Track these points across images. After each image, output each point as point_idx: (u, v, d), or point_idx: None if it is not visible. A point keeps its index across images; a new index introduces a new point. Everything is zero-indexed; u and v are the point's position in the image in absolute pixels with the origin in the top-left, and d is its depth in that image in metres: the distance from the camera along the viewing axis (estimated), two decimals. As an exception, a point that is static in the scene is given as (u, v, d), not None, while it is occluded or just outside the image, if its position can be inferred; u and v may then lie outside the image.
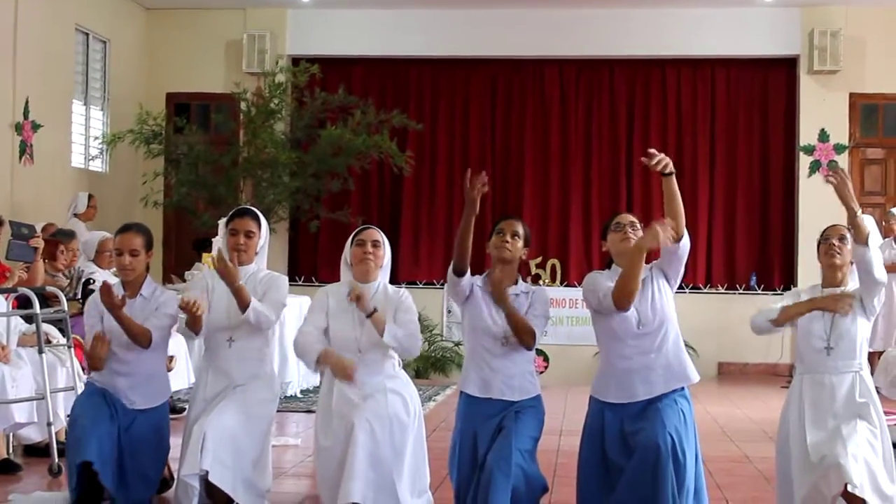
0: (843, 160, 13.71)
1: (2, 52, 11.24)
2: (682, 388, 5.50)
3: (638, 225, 5.55)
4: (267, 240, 6.15)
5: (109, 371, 5.92)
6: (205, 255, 11.17)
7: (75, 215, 12.01)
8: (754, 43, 13.88)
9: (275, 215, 13.09)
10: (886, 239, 11.58)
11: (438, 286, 13.85)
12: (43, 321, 7.24)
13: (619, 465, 5.38)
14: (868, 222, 10.55)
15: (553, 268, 13.96)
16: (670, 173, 5.31)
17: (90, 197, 12.27)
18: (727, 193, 14.21)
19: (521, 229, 5.67)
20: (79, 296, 8.43)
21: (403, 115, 13.28)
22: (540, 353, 13.26)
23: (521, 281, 5.71)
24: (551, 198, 14.21)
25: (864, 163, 13.96)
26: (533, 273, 13.54)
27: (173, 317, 6.06)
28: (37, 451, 7.38)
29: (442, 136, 14.45)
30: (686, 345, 5.68)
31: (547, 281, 13.56)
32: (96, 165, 13.40)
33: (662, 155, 5.30)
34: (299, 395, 10.51)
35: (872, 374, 6.29)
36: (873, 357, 9.31)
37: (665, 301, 5.51)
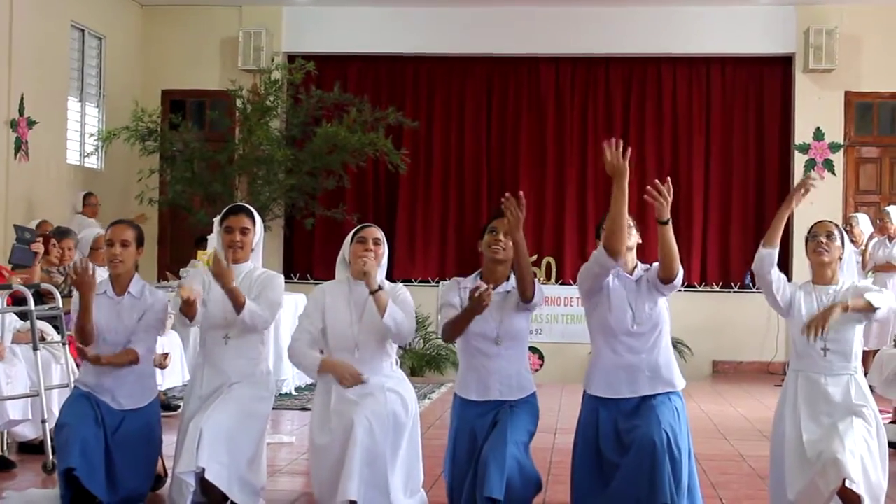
0: (838, 159, 13.73)
1: (-3, 48, 11.25)
2: (674, 396, 5.52)
3: (632, 223, 5.58)
4: (262, 237, 6.15)
5: (96, 372, 5.93)
6: (199, 252, 11.16)
7: (76, 214, 12.08)
8: (750, 41, 13.89)
9: (270, 213, 13.08)
10: (881, 238, 11.58)
11: (433, 284, 13.86)
12: (38, 318, 7.25)
13: (614, 461, 5.40)
14: (862, 222, 10.50)
15: (548, 265, 13.97)
16: (665, 222, 5.33)
17: (87, 195, 12.30)
18: (722, 191, 14.22)
19: None
20: (73, 293, 8.43)
21: (399, 113, 13.28)
22: (535, 350, 13.29)
23: (512, 277, 5.73)
24: (546, 195, 14.21)
25: (859, 161, 13.97)
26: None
27: (161, 321, 6.09)
28: (31, 449, 7.38)
29: (437, 133, 14.45)
30: (681, 343, 5.72)
31: (542, 279, 13.56)
32: (92, 162, 13.39)
33: (667, 198, 5.33)
34: (294, 392, 10.52)
35: (866, 373, 6.31)
36: (868, 356, 9.31)
37: (659, 305, 5.54)
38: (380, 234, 5.85)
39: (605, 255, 5.37)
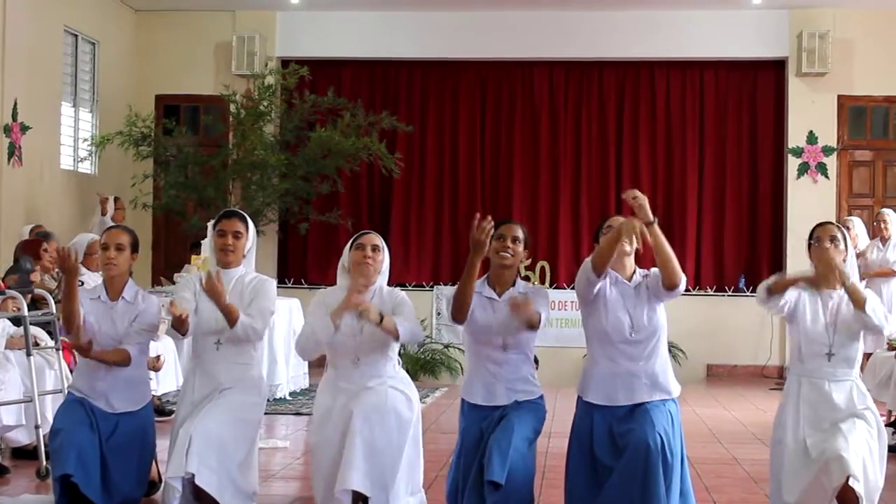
0: (831, 162, 13.75)
1: (-10, 53, 11.24)
2: (670, 402, 5.52)
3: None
4: (254, 242, 6.14)
5: (89, 376, 5.92)
6: (193, 256, 11.17)
7: (104, 216, 12.08)
8: (743, 45, 13.92)
9: (264, 217, 13.08)
10: (874, 241, 11.57)
11: (427, 288, 13.87)
12: (31, 324, 7.23)
13: (607, 465, 5.40)
14: (857, 225, 10.49)
15: (542, 270, 13.97)
16: (650, 222, 5.32)
17: (116, 199, 12.31)
18: (716, 195, 14.24)
19: (520, 234, 5.72)
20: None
21: (393, 117, 13.29)
22: (529, 354, 13.27)
23: (519, 281, 5.75)
24: (540, 199, 14.22)
25: (853, 165, 13.99)
26: (522, 275, 13.54)
27: (154, 325, 6.09)
28: (24, 454, 7.37)
29: (431, 137, 14.45)
30: (675, 347, 5.72)
31: (536, 283, 13.56)
32: (85, 167, 13.38)
33: (642, 197, 5.32)
34: (288, 397, 10.50)
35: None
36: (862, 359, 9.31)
37: (657, 312, 5.54)
38: (379, 241, 5.86)
39: (590, 269, 5.39)
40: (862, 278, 11.15)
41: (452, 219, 14.27)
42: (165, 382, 9.44)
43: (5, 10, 11.33)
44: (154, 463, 6.27)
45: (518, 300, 5.50)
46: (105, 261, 5.96)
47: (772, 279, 5.60)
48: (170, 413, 9.24)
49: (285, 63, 13.83)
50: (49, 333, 7.71)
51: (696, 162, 14.22)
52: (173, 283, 11.11)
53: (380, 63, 14.43)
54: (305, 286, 13.40)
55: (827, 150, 13.73)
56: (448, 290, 13.94)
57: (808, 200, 13.58)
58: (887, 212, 11.60)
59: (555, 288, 13.77)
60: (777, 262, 13.97)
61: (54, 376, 7.40)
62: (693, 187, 14.16)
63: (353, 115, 13.08)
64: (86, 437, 5.76)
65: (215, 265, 5.97)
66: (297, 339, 5.85)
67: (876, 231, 11.57)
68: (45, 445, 6.85)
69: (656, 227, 5.33)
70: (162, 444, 6.26)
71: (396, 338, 5.61)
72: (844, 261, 5.59)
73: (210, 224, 6.15)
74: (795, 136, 13.82)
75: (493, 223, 5.44)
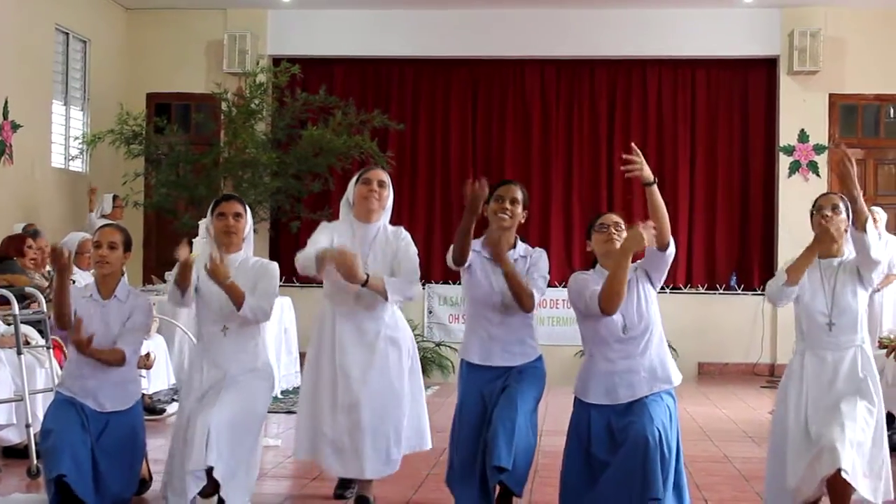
0: (822, 161, 13.77)
1: (-19, 51, 11.22)
2: (669, 392, 5.54)
3: (622, 225, 5.56)
4: (251, 227, 6.15)
5: (79, 375, 5.91)
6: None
7: (103, 216, 12.05)
8: (734, 43, 13.93)
9: (256, 216, 13.02)
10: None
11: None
12: (21, 322, 7.22)
13: (604, 461, 5.40)
14: (879, 213, 10.36)
15: (534, 268, 13.95)
16: (650, 183, 5.32)
17: (115, 197, 12.28)
18: (707, 193, 14.25)
19: (519, 194, 5.78)
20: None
21: (384, 116, 13.28)
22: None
23: (519, 243, 5.78)
24: (532, 197, 13.98)
25: (844, 163, 13.99)
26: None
27: (146, 325, 6.10)
28: (15, 453, 7.35)
29: (423, 136, 14.45)
30: (667, 345, 5.70)
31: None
32: (76, 166, 13.35)
33: (640, 160, 5.31)
34: (279, 395, 10.50)
35: None
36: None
37: (650, 305, 5.53)
38: (385, 177, 5.93)
39: (597, 311, 5.36)
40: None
41: (444, 217, 14.27)
42: (156, 381, 9.44)
43: (-4, 9, 11.33)
44: (145, 461, 6.26)
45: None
46: (98, 259, 5.95)
47: (783, 277, 5.55)
48: (161, 412, 9.25)
49: (277, 61, 13.82)
50: (40, 332, 7.70)
51: (688, 160, 14.24)
52: (164, 281, 11.10)
53: (371, 61, 14.43)
54: (297, 284, 13.37)
55: (818, 149, 13.75)
56: (440, 288, 13.97)
57: (799, 199, 13.56)
58: (877, 210, 11.62)
59: (547, 287, 13.72)
60: (768, 260, 13.99)
61: (45, 375, 7.39)
62: (684, 185, 14.17)
63: (345, 113, 13.08)
64: (78, 437, 5.75)
65: (216, 251, 5.95)
66: (297, 261, 5.97)
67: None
68: (36, 444, 6.84)
69: (655, 188, 5.33)
70: (152, 443, 6.26)
71: (385, 297, 5.62)
72: (846, 230, 5.59)
73: (202, 223, 6.14)
74: (787, 135, 13.84)
75: (486, 187, 5.48)
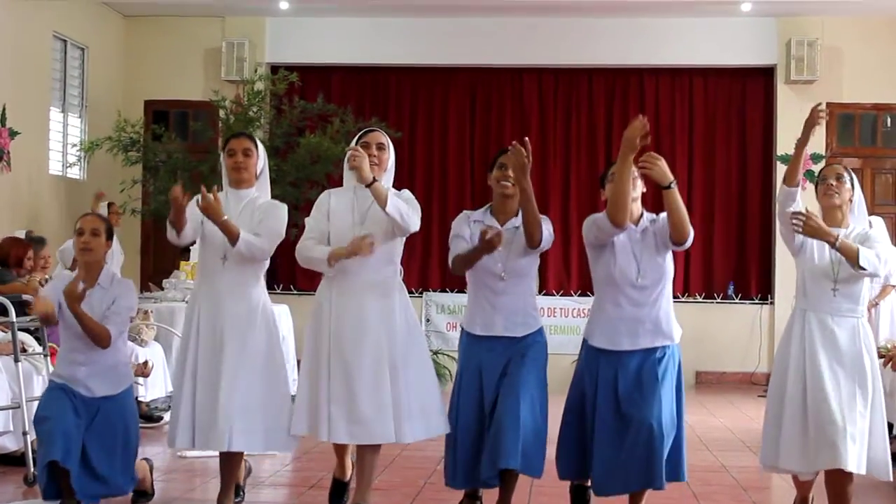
0: (819, 169, 13.75)
1: (-21, 58, 11.22)
2: (671, 348, 5.58)
3: (637, 175, 5.63)
4: (266, 164, 6.17)
5: (71, 361, 5.90)
6: (182, 262, 11.16)
7: None
8: (732, 53, 13.94)
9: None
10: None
11: (417, 294, 13.85)
12: (19, 329, 7.22)
13: (606, 418, 5.51)
14: (877, 224, 10.42)
15: (531, 276, 13.95)
16: (669, 186, 5.38)
17: (110, 204, 12.28)
18: (705, 202, 14.26)
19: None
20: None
21: (382, 123, 13.25)
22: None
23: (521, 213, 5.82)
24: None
25: (841, 172, 14.00)
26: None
27: (131, 307, 6.08)
28: (12, 461, 7.34)
29: (421, 144, 14.46)
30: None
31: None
32: (74, 173, 13.34)
33: (661, 160, 5.38)
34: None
35: None
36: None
37: (665, 258, 5.59)
38: (384, 139, 5.94)
39: (608, 225, 5.46)
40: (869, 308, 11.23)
41: (442, 225, 14.23)
42: (153, 389, 9.42)
43: (-6, 15, 11.33)
44: (149, 474, 6.24)
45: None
46: (81, 245, 5.95)
47: (782, 185, 5.62)
48: (158, 419, 9.23)
49: (275, 69, 13.81)
50: (37, 339, 7.70)
51: (686, 169, 14.24)
52: (162, 288, 11.10)
53: (369, 69, 14.43)
54: (294, 292, 13.40)
55: (816, 158, 13.74)
56: (437, 297, 13.96)
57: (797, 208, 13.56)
58: (875, 220, 11.62)
59: (544, 294, 13.76)
60: (766, 269, 14.00)
61: (42, 382, 7.37)
62: (682, 194, 14.12)
63: (343, 120, 13.07)
64: (71, 423, 5.75)
65: (229, 187, 6.03)
66: (297, 250, 5.93)
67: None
68: (33, 452, 6.83)
69: (674, 189, 5.38)
70: (151, 451, 6.25)
71: (383, 205, 5.60)
72: (851, 200, 5.63)
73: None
74: (784, 144, 13.84)
75: (503, 236, 5.51)
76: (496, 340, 5.76)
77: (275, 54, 14.22)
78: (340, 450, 6.06)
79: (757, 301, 13.90)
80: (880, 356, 8.44)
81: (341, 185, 6.10)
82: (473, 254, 5.64)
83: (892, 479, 5.54)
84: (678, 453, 5.62)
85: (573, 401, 5.73)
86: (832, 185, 5.64)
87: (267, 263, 6.20)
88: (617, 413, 5.51)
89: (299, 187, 13.21)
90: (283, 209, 6.11)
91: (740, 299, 13.98)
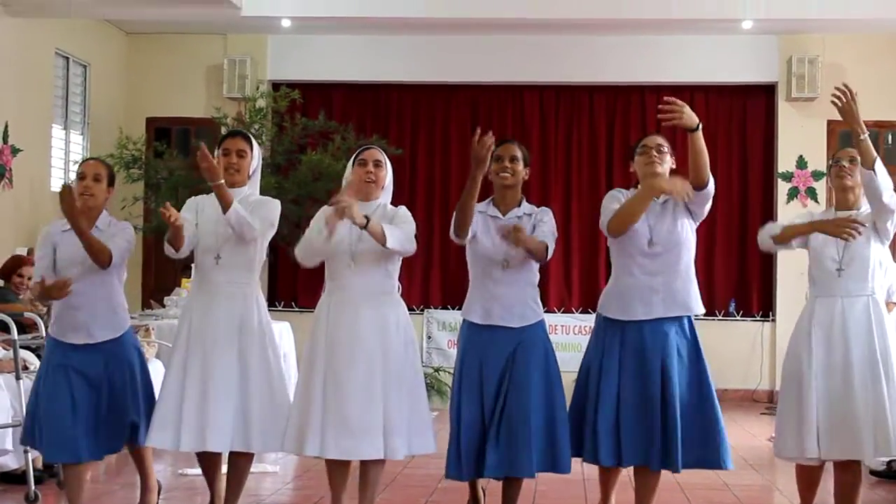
0: (821, 187, 13.78)
1: (-19, 76, 11.24)
2: (687, 321, 5.58)
3: (665, 147, 5.68)
4: (260, 162, 6.19)
5: (69, 307, 5.88)
6: (184, 280, 11.15)
7: None
8: (732, 70, 13.96)
9: (254, 240, 13.04)
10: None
11: (417, 312, 13.85)
12: (20, 347, 7.21)
13: (610, 386, 5.57)
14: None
15: (533, 293, 13.94)
16: (696, 128, 5.41)
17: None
18: (706, 219, 14.08)
19: (518, 152, 5.89)
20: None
21: (383, 141, 13.26)
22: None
23: (524, 203, 5.83)
24: (531, 223, 14.17)
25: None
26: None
27: (129, 241, 6.05)
28: (13, 479, 7.33)
29: (422, 161, 14.47)
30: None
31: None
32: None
33: (682, 105, 5.42)
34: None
35: None
36: None
37: (682, 227, 5.59)
38: (381, 156, 5.95)
39: (605, 230, 5.52)
40: None
41: (443, 242, 14.25)
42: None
43: (-4, 33, 11.35)
44: (152, 474, 6.27)
45: (507, 229, 5.55)
46: (82, 190, 5.96)
47: (778, 227, 5.65)
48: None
49: (276, 86, 13.85)
50: (39, 357, 7.69)
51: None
52: (163, 306, 11.09)
53: (371, 86, 14.45)
54: (296, 309, 13.39)
55: (817, 175, 13.76)
56: (438, 314, 13.96)
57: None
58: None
59: (546, 311, 13.70)
60: (767, 285, 13.99)
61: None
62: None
63: (344, 138, 13.09)
64: (65, 411, 5.79)
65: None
66: (297, 250, 5.94)
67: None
68: (35, 470, 6.84)
69: (699, 133, 5.42)
70: (153, 469, 6.24)
71: (383, 242, 5.61)
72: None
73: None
74: (785, 161, 13.86)
75: (493, 139, 5.52)
76: (495, 331, 5.75)
77: (277, 72, 14.25)
78: (337, 487, 5.92)
79: (758, 318, 13.88)
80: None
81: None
82: (469, 184, 5.65)
83: None
84: (719, 435, 5.61)
85: (579, 385, 5.76)
86: (845, 167, 5.69)
87: (260, 265, 6.19)
88: (621, 382, 5.54)
89: (301, 205, 13.20)
90: (277, 203, 6.20)
91: (742, 316, 13.96)
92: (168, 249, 5.98)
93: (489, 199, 5.98)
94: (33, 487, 6.74)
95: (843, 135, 13.97)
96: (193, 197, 6.28)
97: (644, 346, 5.59)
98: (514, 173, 5.86)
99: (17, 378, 7.03)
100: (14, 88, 11.66)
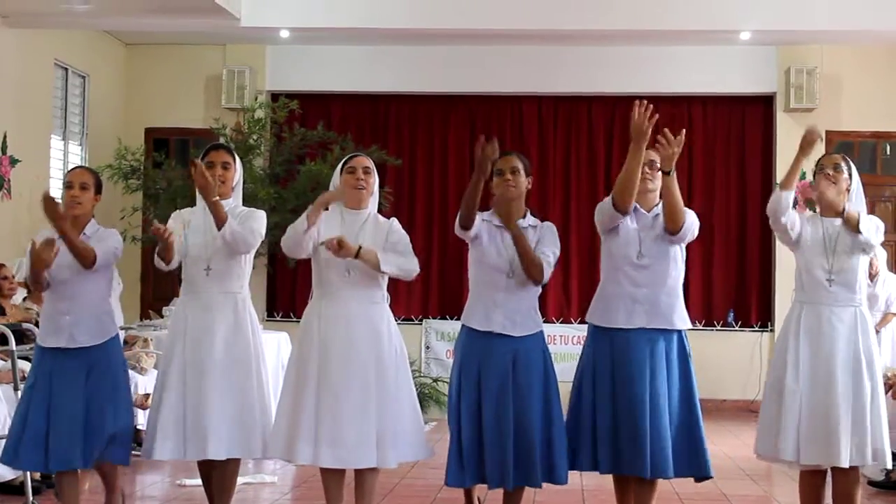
0: (819, 197, 13.75)
1: (-20, 86, 11.25)
2: (677, 335, 5.58)
3: (657, 164, 5.67)
4: (241, 176, 6.22)
5: (55, 312, 5.90)
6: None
7: None
8: (731, 81, 13.98)
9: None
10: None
11: (416, 322, 13.85)
12: (18, 357, 7.20)
13: (602, 393, 5.57)
14: (878, 255, 10.51)
15: (531, 304, 13.94)
16: (668, 172, 5.42)
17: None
18: (704, 230, 14.07)
19: (519, 163, 5.89)
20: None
21: (382, 151, 13.29)
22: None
23: (529, 215, 5.83)
24: (530, 234, 14.18)
25: (841, 200, 14.01)
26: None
27: (115, 248, 6.06)
28: (11, 489, 7.32)
29: (420, 171, 14.48)
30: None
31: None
32: (74, 200, 13.32)
33: (677, 148, 5.42)
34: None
35: None
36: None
37: (670, 246, 5.60)
38: (369, 164, 5.97)
39: (612, 210, 5.51)
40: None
41: (441, 253, 14.26)
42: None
43: (-5, 44, 11.36)
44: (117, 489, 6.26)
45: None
46: (70, 199, 5.99)
47: (778, 191, 5.68)
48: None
49: (275, 97, 13.86)
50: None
51: (685, 196, 13.90)
52: (162, 316, 11.09)
53: (369, 97, 14.47)
54: (294, 320, 13.35)
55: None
56: (437, 324, 13.96)
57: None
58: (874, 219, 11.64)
59: (544, 322, 13.70)
60: (766, 296, 13.99)
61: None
62: (682, 222, 14.15)
63: (343, 148, 13.08)
64: (41, 423, 5.78)
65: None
66: (283, 242, 5.97)
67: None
68: (32, 481, 6.82)
69: (672, 177, 5.42)
70: (146, 480, 6.23)
71: (377, 269, 5.64)
72: (849, 189, 5.67)
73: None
74: (783, 171, 13.77)
75: (497, 146, 5.52)
76: (494, 339, 5.74)
77: (275, 82, 14.27)
78: (332, 496, 5.90)
79: (757, 328, 13.89)
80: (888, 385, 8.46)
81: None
82: (472, 187, 5.69)
83: (889, 466, 5.58)
84: (699, 445, 5.63)
85: (574, 393, 5.77)
86: (829, 174, 5.72)
87: (249, 273, 6.21)
88: (611, 391, 5.55)
89: (299, 214, 13.20)
90: (262, 214, 6.22)
91: (740, 327, 13.97)
92: (158, 262, 6.03)
93: (492, 210, 5.97)
94: (31, 499, 6.73)
95: (840, 146, 13.99)
96: (178, 210, 6.31)
97: (631, 355, 5.60)
98: (517, 185, 5.87)
99: (16, 389, 7.01)
100: (13, 99, 11.67)
